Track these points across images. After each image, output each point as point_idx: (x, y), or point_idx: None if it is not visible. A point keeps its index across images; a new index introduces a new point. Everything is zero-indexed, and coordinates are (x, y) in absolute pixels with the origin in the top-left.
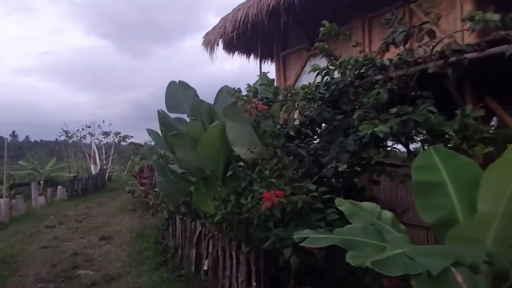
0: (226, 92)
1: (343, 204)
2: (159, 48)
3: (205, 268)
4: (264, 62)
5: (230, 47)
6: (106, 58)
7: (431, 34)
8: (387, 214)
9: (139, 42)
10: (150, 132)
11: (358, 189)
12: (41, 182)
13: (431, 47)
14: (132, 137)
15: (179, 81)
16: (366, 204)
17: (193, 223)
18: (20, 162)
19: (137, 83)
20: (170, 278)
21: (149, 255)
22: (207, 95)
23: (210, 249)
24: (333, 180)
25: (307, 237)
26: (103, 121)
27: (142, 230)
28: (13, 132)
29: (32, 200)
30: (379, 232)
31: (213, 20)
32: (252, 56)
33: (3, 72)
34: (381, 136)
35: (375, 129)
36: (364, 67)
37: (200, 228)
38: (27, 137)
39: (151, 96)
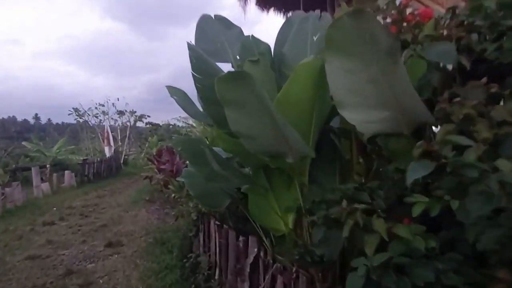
0: (304, 19)
1: None
2: (176, 30)
3: None
4: None
5: (265, 2)
6: (122, 41)
7: None
8: None
9: (155, 24)
10: (172, 90)
11: None
12: (48, 166)
13: None
14: (149, 116)
15: (215, 16)
16: None
17: (240, 237)
18: (23, 143)
19: (154, 65)
20: None
21: (173, 280)
22: None
23: None
24: None
25: None
26: (118, 99)
27: (161, 233)
28: (36, 114)
29: (34, 188)
30: None
31: (229, 1)
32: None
33: (25, 56)
34: None
35: None
36: None
37: (255, 249)
38: (49, 119)
39: (168, 78)
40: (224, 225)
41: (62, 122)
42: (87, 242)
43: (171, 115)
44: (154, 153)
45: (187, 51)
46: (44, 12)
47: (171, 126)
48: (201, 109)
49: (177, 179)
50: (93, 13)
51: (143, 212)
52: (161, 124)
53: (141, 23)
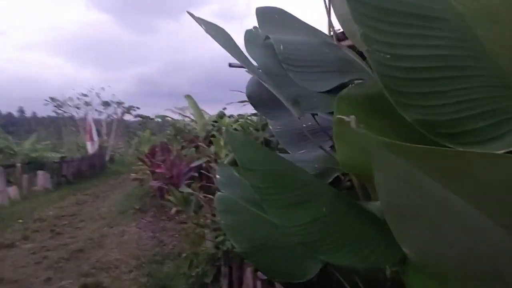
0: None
1: None
2: (165, 23)
3: None
4: None
5: None
6: (110, 33)
7: None
8: None
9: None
10: (209, 26)
11: None
12: (18, 165)
13: None
14: (138, 108)
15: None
16: None
17: None
18: None
19: (143, 58)
20: None
21: None
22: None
23: None
24: None
25: None
26: (103, 88)
27: (159, 265)
28: (20, 107)
29: None
30: None
31: None
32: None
33: (10, 48)
34: None
35: None
36: None
37: None
38: (34, 113)
39: (158, 71)
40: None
41: (48, 116)
42: (52, 281)
43: (162, 109)
44: (146, 152)
45: (177, 45)
46: (28, 2)
47: (168, 118)
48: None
49: (179, 189)
50: (79, 3)
51: (133, 227)
52: (152, 117)
53: (129, 15)
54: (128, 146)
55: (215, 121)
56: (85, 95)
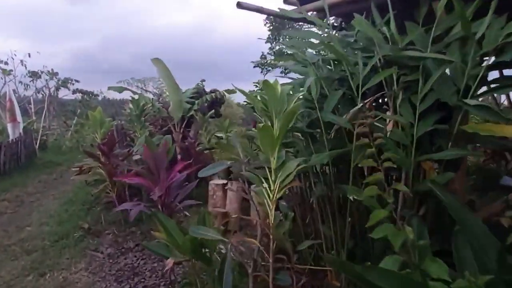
0: None
1: None
2: None
3: None
4: None
5: None
6: (39, 2)
7: None
8: None
9: None
10: None
11: None
12: None
13: None
14: (77, 81)
15: None
16: None
17: None
18: None
19: (78, 31)
20: None
21: None
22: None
23: None
24: None
25: None
26: (29, 55)
27: None
28: None
29: None
30: None
31: None
32: None
33: None
34: None
35: None
36: None
37: None
38: None
39: (97, 46)
40: None
41: None
42: None
43: (103, 87)
44: (99, 139)
45: (115, 17)
46: None
47: (129, 94)
48: None
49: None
50: None
51: (81, 272)
52: (97, 93)
53: None
54: (65, 129)
55: (196, 96)
56: (5, 63)
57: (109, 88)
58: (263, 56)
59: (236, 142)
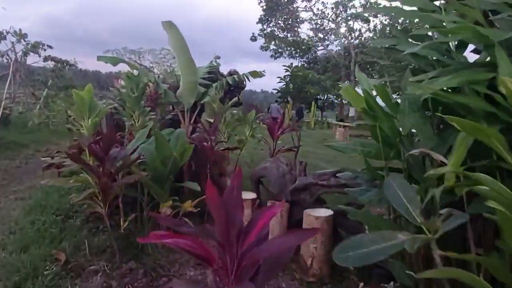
0: None
1: None
2: None
3: None
4: None
5: None
6: None
7: None
8: None
9: None
10: None
11: None
12: None
13: None
14: (50, 47)
15: None
16: None
17: None
18: None
19: None
20: None
21: None
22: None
23: None
24: None
25: None
26: None
27: None
28: None
29: None
30: None
31: None
32: None
33: None
34: None
35: None
36: None
37: None
38: None
39: (69, 13)
40: None
41: None
42: None
43: (77, 57)
44: (88, 134)
45: None
46: None
47: (132, 72)
48: None
49: None
50: None
51: None
52: (72, 63)
53: None
54: (33, 101)
55: (210, 77)
56: None
57: (99, 59)
58: (253, 38)
59: None
